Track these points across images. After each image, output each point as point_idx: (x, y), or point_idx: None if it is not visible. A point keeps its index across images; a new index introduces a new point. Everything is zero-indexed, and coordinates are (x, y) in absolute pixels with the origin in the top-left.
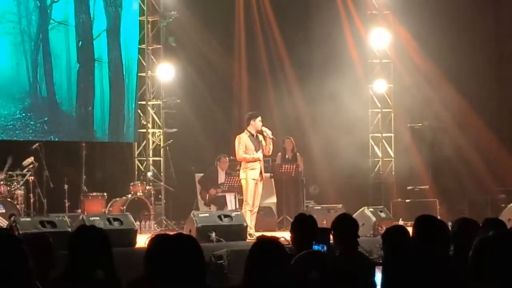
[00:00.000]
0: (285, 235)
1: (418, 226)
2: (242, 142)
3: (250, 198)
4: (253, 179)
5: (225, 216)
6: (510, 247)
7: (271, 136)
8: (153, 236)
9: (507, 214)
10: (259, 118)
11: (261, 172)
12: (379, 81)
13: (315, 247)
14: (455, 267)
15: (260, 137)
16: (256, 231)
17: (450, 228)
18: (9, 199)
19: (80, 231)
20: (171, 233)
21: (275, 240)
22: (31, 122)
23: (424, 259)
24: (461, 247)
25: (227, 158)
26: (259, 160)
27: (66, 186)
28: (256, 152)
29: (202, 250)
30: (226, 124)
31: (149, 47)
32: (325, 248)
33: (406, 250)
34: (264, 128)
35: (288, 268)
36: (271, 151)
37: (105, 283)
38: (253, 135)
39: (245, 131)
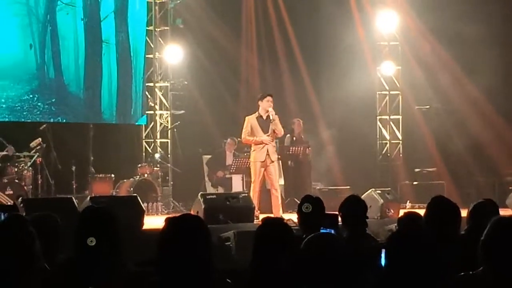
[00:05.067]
0: (292, 217)
1: (430, 207)
2: (248, 124)
3: (257, 179)
4: (260, 161)
5: (233, 197)
6: None
7: (271, 118)
8: (166, 218)
9: None
10: (267, 98)
11: (268, 154)
12: (387, 63)
13: (322, 231)
14: (464, 248)
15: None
16: (262, 213)
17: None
18: (16, 180)
19: (88, 212)
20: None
21: (280, 221)
22: (39, 104)
23: (429, 241)
24: (476, 229)
25: (234, 140)
26: (265, 142)
27: (73, 168)
28: (264, 134)
29: (209, 231)
30: (234, 106)
31: (156, 29)
32: (332, 232)
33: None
34: (270, 109)
35: (297, 249)
36: (282, 132)
37: (112, 264)
38: (262, 117)
39: (256, 112)
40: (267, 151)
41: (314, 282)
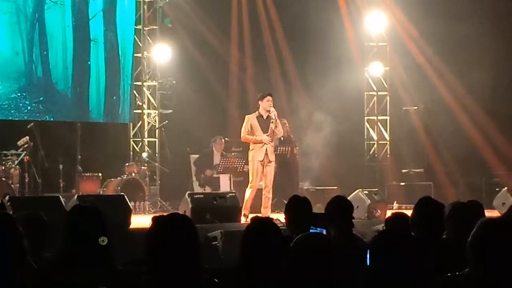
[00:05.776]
0: (279, 217)
1: (417, 208)
2: (248, 123)
3: (254, 179)
4: (258, 161)
5: (220, 197)
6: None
7: (273, 118)
8: (153, 217)
9: (501, 198)
10: (267, 98)
11: (267, 154)
12: (375, 64)
13: (313, 231)
14: (447, 249)
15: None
16: (250, 212)
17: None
18: (3, 179)
19: (76, 210)
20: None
21: (269, 220)
22: (27, 102)
23: (415, 241)
24: (455, 231)
25: (222, 139)
26: (265, 142)
27: (61, 166)
28: (264, 133)
29: (197, 230)
30: (222, 106)
31: (145, 28)
32: (324, 232)
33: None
34: (272, 109)
35: (285, 249)
36: (282, 133)
37: (100, 262)
38: (262, 116)
39: (256, 111)
40: (266, 150)
41: (304, 281)
